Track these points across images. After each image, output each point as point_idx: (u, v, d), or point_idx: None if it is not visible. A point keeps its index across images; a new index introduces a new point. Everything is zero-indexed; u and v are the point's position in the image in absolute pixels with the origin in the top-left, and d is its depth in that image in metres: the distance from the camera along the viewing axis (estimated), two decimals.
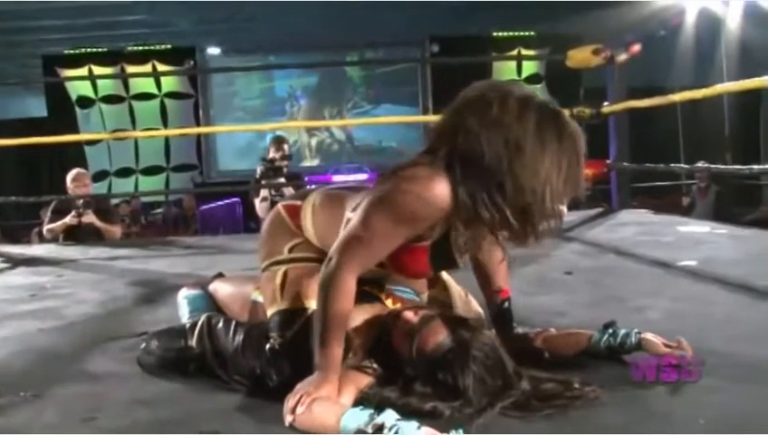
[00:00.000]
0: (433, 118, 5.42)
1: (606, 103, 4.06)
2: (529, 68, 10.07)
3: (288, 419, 1.23)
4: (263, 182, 4.48)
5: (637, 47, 3.96)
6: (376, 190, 1.33)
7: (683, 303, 2.01)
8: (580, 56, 4.04)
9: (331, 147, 10.88)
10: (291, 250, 1.55)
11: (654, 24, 8.80)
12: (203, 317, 1.57)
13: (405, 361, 1.32)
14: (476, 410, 1.21)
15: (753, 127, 10.05)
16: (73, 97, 10.06)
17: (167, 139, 10.44)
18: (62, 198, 4.47)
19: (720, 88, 3.89)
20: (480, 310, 1.65)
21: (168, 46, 10.03)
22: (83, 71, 9.67)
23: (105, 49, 9.96)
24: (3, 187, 8.18)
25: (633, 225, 3.63)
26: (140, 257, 3.57)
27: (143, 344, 1.63)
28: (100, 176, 9.82)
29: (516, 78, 9.85)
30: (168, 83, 10.34)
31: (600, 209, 4.28)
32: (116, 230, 4.42)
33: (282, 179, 4.47)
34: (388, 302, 1.50)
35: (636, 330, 1.44)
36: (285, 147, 4.66)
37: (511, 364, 1.30)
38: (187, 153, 10.46)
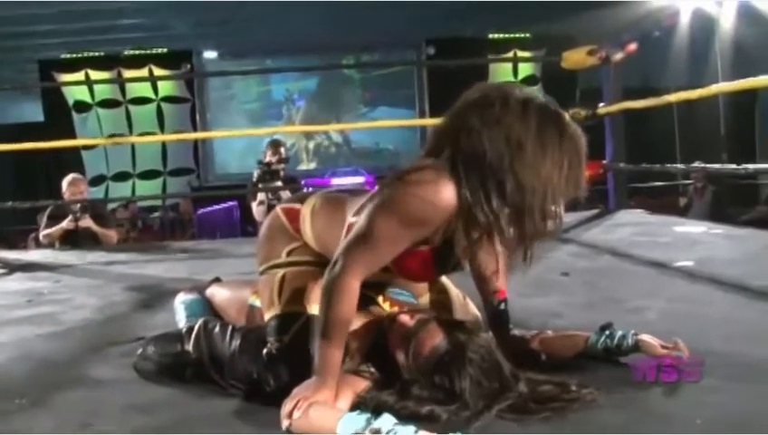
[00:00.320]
0: (431, 121, 5.41)
1: (602, 104, 4.07)
2: (525, 70, 10.07)
3: (285, 423, 1.22)
4: (260, 186, 4.48)
5: (633, 45, 3.97)
6: (381, 194, 1.33)
7: (680, 303, 2.02)
8: (576, 57, 4.06)
9: (328, 150, 10.87)
10: (289, 254, 1.55)
11: (648, 25, 8.82)
12: (199, 322, 1.57)
13: (401, 364, 1.32)
14: (473, 414, 1.21)
15: (749, 126, 10.07)
16: (70, 102, 10.04)
17: (164, 143, 10.42)
18: (58, 202, 4.47)
19: (715, 88, 3.89)
20: (477, 313, 1.65)
21: (165, 50, 10.00)
22: (80, 75, 9.66)
23: (102, 53, 9.95)
24: None
25: (629, 225, 3.64)
26: (137, 262, 3.57)
27: (140, 350, 1.63)
28: (97, 180, 9.81)
29: (512, 80, 9.85)
30: (165, 87, 10.31)
31: (596, 210, 4.27)
32: (113, 235, 4.41)
33: (279, 183, 4.46)
34: (386, 305, 1.50)
35: (633, 331, 1.44)
36: (282, 150, 4.64)
37: (508, 367, 1.30)
38: (184, 157, 10.43)
